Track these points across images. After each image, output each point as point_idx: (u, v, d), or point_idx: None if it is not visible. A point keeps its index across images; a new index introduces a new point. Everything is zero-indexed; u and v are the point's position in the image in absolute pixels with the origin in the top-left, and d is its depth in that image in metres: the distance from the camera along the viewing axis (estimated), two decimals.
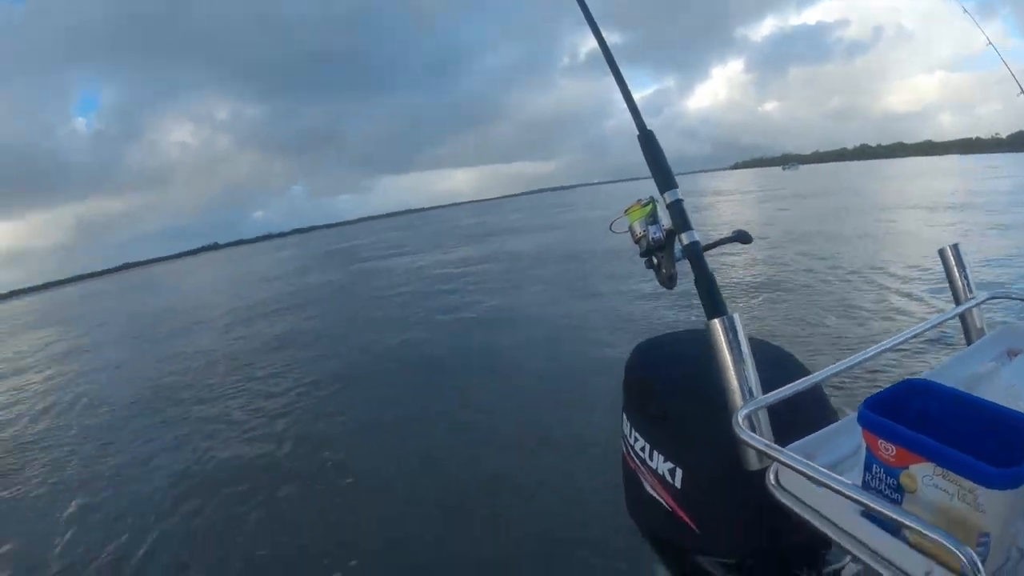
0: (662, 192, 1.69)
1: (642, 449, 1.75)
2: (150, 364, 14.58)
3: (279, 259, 56.36)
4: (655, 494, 1.70)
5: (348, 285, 23.45)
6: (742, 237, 1.83)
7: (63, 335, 27.97)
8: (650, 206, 1.80)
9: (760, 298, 10.35)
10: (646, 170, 1.72)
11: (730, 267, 13.43)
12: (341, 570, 4.39)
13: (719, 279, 1.50)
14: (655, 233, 1.76)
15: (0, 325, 45.27)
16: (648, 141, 1.76)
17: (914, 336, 1.54)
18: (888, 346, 1.47)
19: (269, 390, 9.79)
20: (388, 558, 4.46)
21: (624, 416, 1.91)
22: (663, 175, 1.70)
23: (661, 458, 1.65)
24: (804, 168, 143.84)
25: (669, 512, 1.65)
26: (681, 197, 1.65)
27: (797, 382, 1.30)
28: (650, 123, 1.77)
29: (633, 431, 1.82)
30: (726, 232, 1.84)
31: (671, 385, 1.73)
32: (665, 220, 1.75)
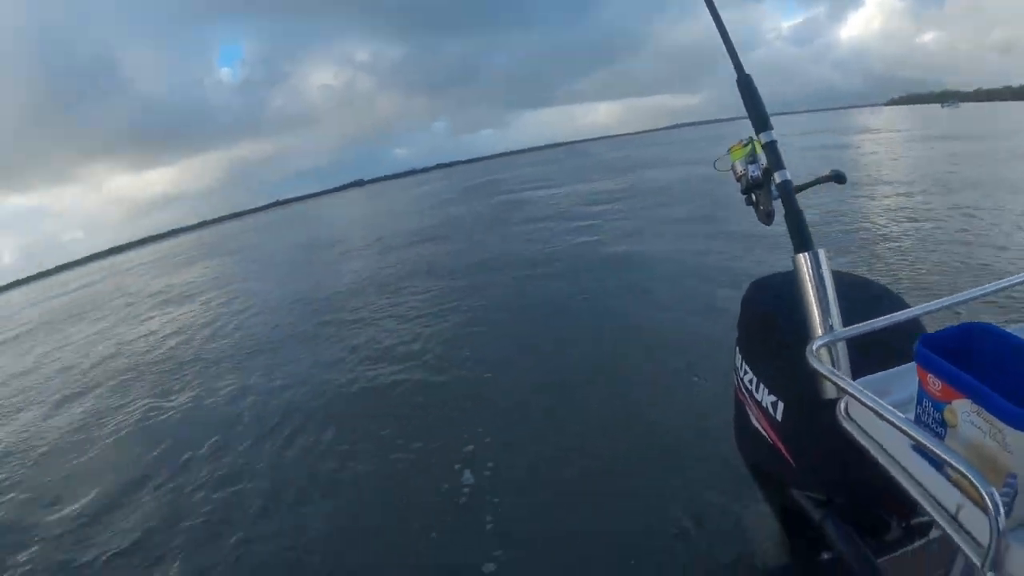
0: (758, 133, 1.79)
1: (750, 382, 1.84)
2: (302, 289, 15.66)
3: (422, 193, 57.22)
4: (759, 426, 1.80)
5: (489, 218, 23.65)
6: (838, 177, 1.87)
7: (221, 266, 30.01)
8: (750, 146, 1.87)
9: (884, 241, 9.75)
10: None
11: (864, 209, 12.46)
12: (475, 475, 4.77)
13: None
14: (754, 172, 1.85)
15: (164, 261, 48.74)
16: (746, 85, 1.85)
17: (1013, 284, 1.43)
18: (980, 294, 1.38)
19: (411, 315, 10.31)
20: (521, 470, 4.76)
21: (737, 349, 2.01)
22: (759, 117, 1.79)
23: (766, 391, 1.74)
24: (965, 106, 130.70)
25: (770, 444, 1.74)
26: (775, 138, 1.75)
27: (880, 319, 1.29)
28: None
29: (744, 364, 1.91)
30: (828, 171, 1.89)
31: (790, 322, 1.76)
32: (764, 160, 1.83)
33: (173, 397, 8.75)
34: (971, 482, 0.79)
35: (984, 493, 0.78)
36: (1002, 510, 0.77)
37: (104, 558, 5.09)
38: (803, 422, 1.57)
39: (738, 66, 1.88)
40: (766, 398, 1.72)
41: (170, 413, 8.17)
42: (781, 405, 1.66)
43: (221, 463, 6.06)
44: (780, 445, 1.69)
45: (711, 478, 3.93)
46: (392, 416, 6.17)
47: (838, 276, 1.96)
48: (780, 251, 9.85)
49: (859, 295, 1.81)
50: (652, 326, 7.43)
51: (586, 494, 4.17)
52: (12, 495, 6.56)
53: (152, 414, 8.26)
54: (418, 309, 10.54)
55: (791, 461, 1.66)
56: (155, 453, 6.79)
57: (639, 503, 3.95)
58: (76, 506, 6.01)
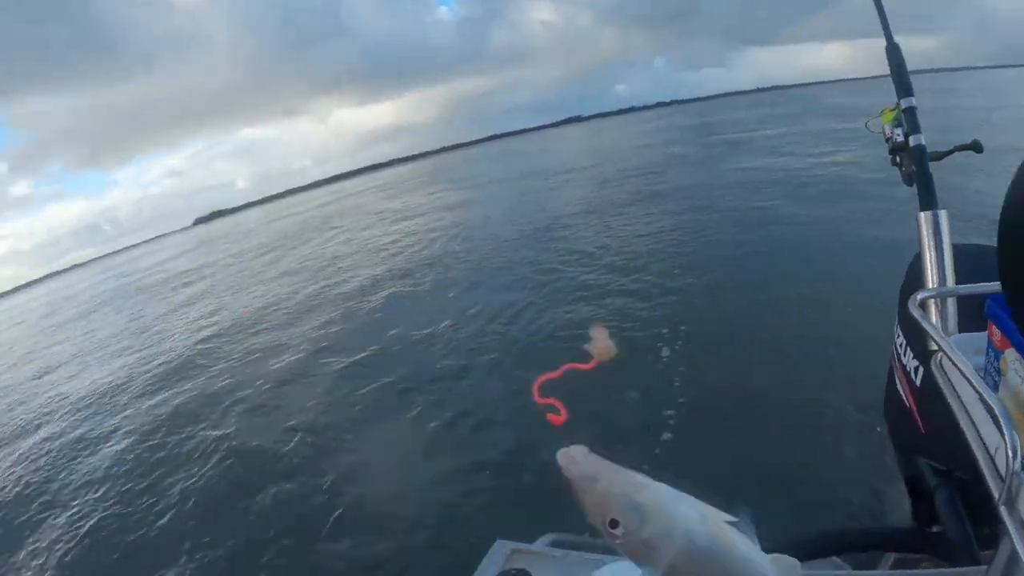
0: (899, 98, 1.87)
1: (901, 346, 1.82)
2: (521, 213, 17.28)
3: (639, 131, 55.54)
4: (901, 390, 1.80)
5: (704, 158, 23.22)
6: (975, 146, 1.90)
7: (444, 192, 32.52)
8: (897, 110, 1.92)
9: None
10: None
11: None
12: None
13: None
14: (898, 136, 1.89)
15: (389, 187, 53.01)
16: (894, 52, 1.93)
17: None
18: None
19: (620, 240, 11.42)
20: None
21: (897, 314, 1.97)
22: (903, 83, 1.88)
23: (911, 355, 1.71)
24: None
25: (907, 408, 1.74)
26: (915, 104, 1.84)
27: (990, 283, 1.23)
28: None
29: (898, 327, 1.89)
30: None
31: None
32: (906, 124, 1.87)
33: (412, 290, 11.32)
34: (1000, 423, 0.83)
35: (1005, 432, 0.82)
36: (1019, 450, 0.81)
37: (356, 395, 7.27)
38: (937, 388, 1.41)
39: (888, 35, 1.93)
40: (910, 362, 1.70)
41: (411, 300, 10.71)
42: (921, 370, 1.62)
43: (466, 336, 8.11)
44: (914, 409, 1.69)
45: (861, 431, 4.17)
46: (598, 316, 7.43)
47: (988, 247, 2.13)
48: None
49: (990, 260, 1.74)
50: (849, 288, 7.16)
51: (754, 404, 4.97)
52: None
53: (398, 300, 10.91)
54: (629, 234, 11.61)
55: (920, 426, 1.66)
56: (395, 331, 9.10)
57: (790, 430, 4.53)
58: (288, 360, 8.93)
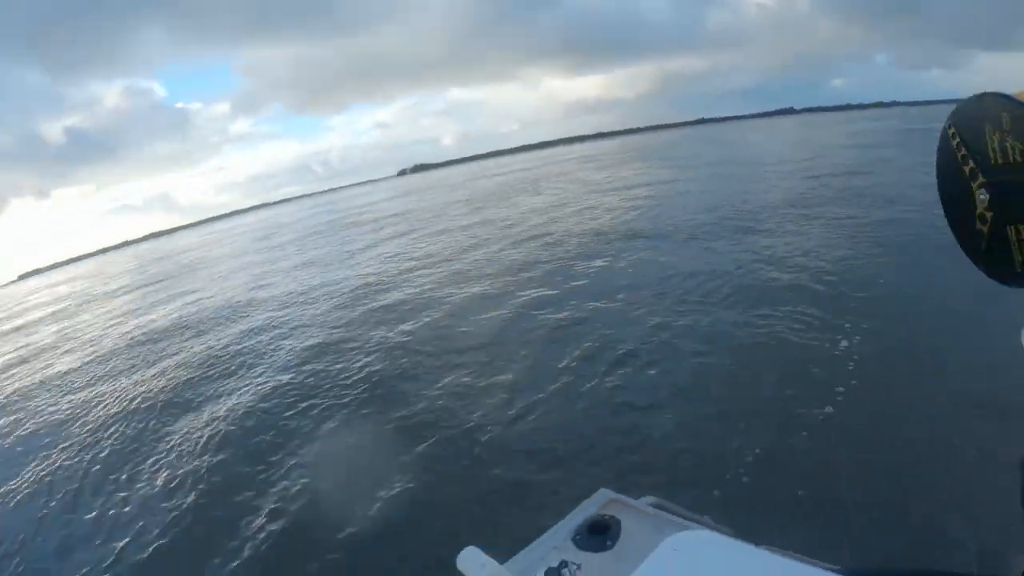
0: None
1: None
2: (722, 196, 17.97)
3: (854, 131, 51.71)
4: None
5: (920, 166, 21.64)
6: None
7: (650, 168, 33.67)
8: None
9: None
10: None
11: None
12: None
13: None
14: None
15: (593, 159, 54.19)
16: None
17: None
18: None
19: (813, 233, 11.84)
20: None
21: None
22: None
23: None
24: None
25: None
26: None
27: None
28: None
29: None
30: None
31: None
32: None
33: (602, 255, 12.38)
34: None
35: None
36: None
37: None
38: None
39: None
40: None
41: (598, 264, 11.75)
42: None
43: (640, 303, 8.96)
44: None
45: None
46: (782, 300, 8.10)
47: None
48: None
49: None
50: None
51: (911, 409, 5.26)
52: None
53: (587, 261, 12.04)
54: (829, 235, 11.68)
55: None
56: (576, 283, 10.40)
57: (942, 448, 4.60)
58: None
